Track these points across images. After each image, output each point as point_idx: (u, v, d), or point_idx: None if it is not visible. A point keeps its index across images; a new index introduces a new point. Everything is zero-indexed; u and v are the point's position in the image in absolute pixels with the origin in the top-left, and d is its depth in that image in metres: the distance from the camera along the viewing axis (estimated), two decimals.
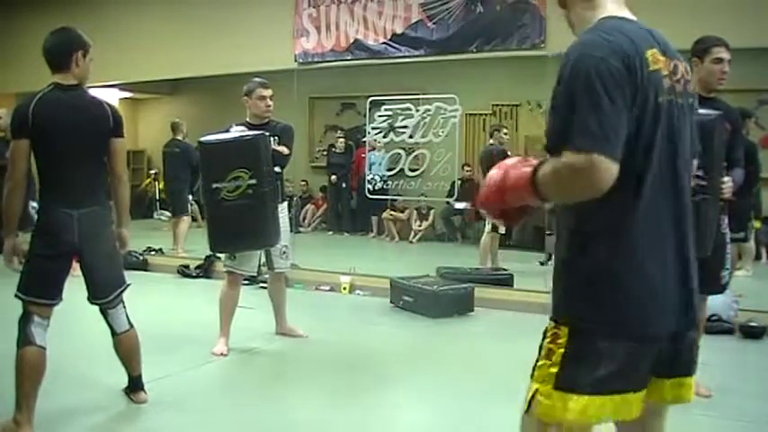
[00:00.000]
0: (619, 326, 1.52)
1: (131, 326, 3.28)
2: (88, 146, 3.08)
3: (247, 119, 4.50)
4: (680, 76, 1.57)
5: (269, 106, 4.47)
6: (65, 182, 3.03)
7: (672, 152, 1.54)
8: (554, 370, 1.55)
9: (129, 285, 3.28)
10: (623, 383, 1.54)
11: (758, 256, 8.07)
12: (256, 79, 4.54)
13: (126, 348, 3.30)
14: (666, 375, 1.62)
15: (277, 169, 4.30)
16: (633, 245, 1.51)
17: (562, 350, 1.55)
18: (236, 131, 4.29)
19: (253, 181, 4.03)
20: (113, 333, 3.25)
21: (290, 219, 5.05)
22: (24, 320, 2.99)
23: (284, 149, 4.36)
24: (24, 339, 2.96)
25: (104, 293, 3.17)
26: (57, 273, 3.03)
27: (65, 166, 3.02)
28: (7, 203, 2.97)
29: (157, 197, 11.54)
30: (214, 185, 4.07)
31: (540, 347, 1.61)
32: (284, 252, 4.59)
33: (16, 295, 3.01)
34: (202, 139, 4.25)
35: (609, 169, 1.39)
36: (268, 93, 4.47)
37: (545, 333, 1.61)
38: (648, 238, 1.51)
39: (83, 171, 3.07)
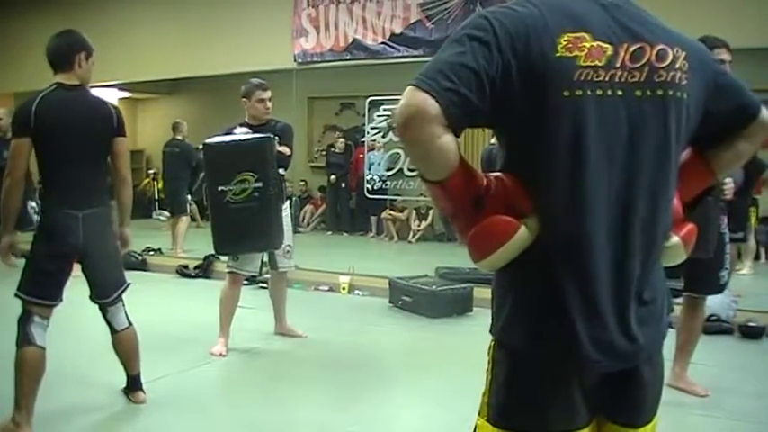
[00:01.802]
0: (532, 342, 1.30)
1: (130, 323, 3.29)
2: (92, 146, 3.09)
3: (246, 119, 4.49)
4: (642, 63, 1.26)
5: (268, 108, 4.46)
6: (69, 182, 3.02)
7: (604, 155, 1.25)
8: (485, 399, 1.36)
9: (129, 284, 3.29)
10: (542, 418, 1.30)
11: (757, 257, 8.09)
12: (254, 81, 4.52)
13: (125, 346, 3.30)
14: (607, 417, 1.37)
15: (280, 171, 4.30)
16: (542, 252, 1.26)
17: (490, 376, 1.36)
18: (241, 133, 4.28)
19: (259, 184, 4.03)
20: (113, 331, 3.26)
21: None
22: (24, 320, 2.99)
23: (286, 150, 4.36)
24: (24, 339, 2.96)
25: (108, 293, 3.19)
26: (59, 274, 3.03)
27: (69, 167, 3.01)
28: (6, 202, 2.96)
29: (156, 197, 11.55)
30: (220, 188, 4.07)
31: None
32: (288, 251, 4.59)
33: (17, 295, 3.00)
34: (208, 141, 4.24)
35: (416, 96, 1.16)
36: (267, 95, 4.45)
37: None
38: (563, 247, 1.26)
39: (86, 171, 3.07)
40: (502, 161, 1.32)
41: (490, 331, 1.37)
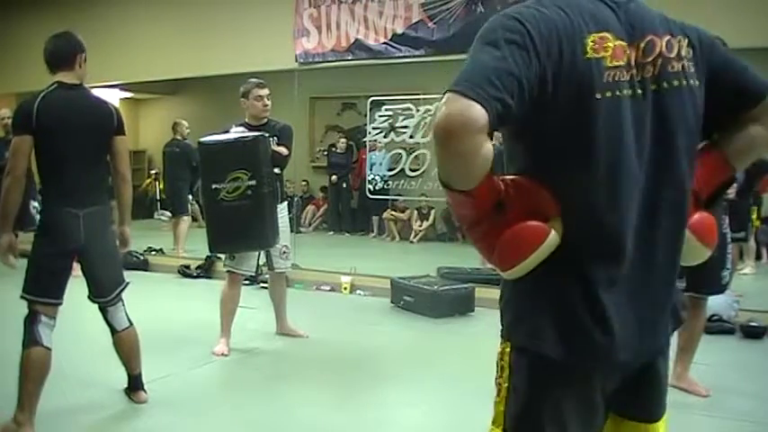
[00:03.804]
0: (548, 349, 1.27)
1: (131, 323, 3.29)
2: (93, 145, 3.09)
3: (246, 119, 4.49)
4: (654, 57, 1.27)
5: (266, 106, 4.45)
6: (69, 181, 3.03)
7: (636, 154, 1.25)
8: (501, 407, 1.35)
9: (128, 284, 3.29)
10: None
11: (759, 256, 8.08)
12: (252, 80, 4.53)
13: (126, 346, 3.30)
14: (622, 415, 1.38)
15: (276, 170, 4.30)
16: (571, 254, 1.25)
17: (507, 384, 1.33)
18: (236, 132, 4.29)
19: (252, 182, 4.04)
20: (113, 331, 3.26)
21: (291, 219, 5.05)
22: (31, 320, 2.98)
23: (284, 150, 4.35)
24: (31, 339, 2.95)
25: (107, 292, 3.19)
26: (63, 272, 3.04)
27: (69, 165, 3.02)
28: (5, 200, 2.94)
29: (158, 197, 11.55)
30: (213, 186, 4.08)
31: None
32: (284, 252, 4.59)
33: (22, 296, 3.00)
34: (202, 139, 4.27)
35: (463, 105, 1.10)
36: (264, 92, 4.45)
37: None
38: (596, 248, 1.26)
39: (87, 170, 3.08)
40: (520, 164, 1.30)
41: (507, 338, 1.34)
